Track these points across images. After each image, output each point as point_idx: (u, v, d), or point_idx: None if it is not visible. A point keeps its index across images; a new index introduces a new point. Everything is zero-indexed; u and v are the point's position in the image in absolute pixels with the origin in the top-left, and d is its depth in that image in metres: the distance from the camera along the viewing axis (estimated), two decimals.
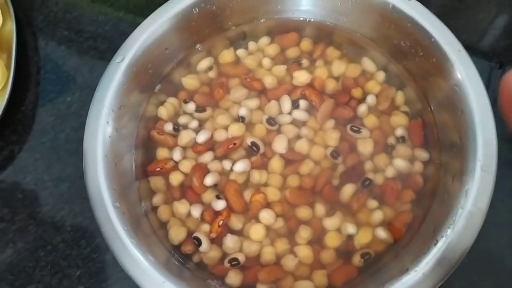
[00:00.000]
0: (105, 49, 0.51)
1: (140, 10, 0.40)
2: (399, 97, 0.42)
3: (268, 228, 0.38)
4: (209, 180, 0.39)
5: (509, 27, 0.51)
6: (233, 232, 0.38)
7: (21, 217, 0.44)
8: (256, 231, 0.38)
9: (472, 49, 0.37)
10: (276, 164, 0.40)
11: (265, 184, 0.40)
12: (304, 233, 0.38)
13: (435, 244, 0.32)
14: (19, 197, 0.45)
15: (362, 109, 0.42)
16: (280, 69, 0.44)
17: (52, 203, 0.45)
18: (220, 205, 0.39)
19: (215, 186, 0.40)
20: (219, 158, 0.41)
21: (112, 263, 0.42)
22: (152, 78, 0.43)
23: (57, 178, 0.45)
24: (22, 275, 0.42)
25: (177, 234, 0.38)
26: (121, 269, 0.34)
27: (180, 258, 0.38)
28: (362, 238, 0.38)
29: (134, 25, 0.41)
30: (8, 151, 0.47)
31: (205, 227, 0.39)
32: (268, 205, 0.39)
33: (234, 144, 0.40)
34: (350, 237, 0.38)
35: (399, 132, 0.41)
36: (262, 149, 0.40)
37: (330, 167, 0.40)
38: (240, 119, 0.42)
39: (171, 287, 0.32)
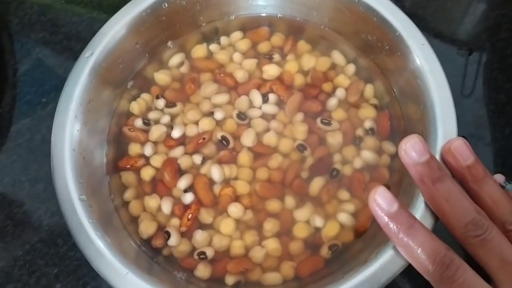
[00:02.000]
0: (79, 49, 0.50)
1: (113, 10, 0.41)
2: (368, 90, 0.43)
3: (237, 221, 0.39)
4: (182, 184, 0.39)
5: (479, 14, 0.52)
6: (203, 226, 0.39)
7: None
8: (226, 225, 0.38)
9: (444, 37, 0.37)
10: (244, 157, 0.40)
11: (235, 178, 0.40)
12: (271, 226, 0.38)
13: None
14: None
15: (332, 102, 0.42)
16: (251, 63, 0.44)
17: (29, 203, 0.45)
18: (188, 198, 0.39)
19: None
20: (189, 153, 0.41)
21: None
22: (124, 73, 0.43)
23: (33, 179, 0.46)
24: (1, 275, 0.43)
25: (147, 228, 0.39)
26: None
27: (149, 252, 0.38)
28: (330, 230, 0.38)
29: None
30: None
31: (175, 221, 0.39)
32: (237, 198, 0.39)
33: (204, 138, 0.41)
34: (318, 229, 0.38)
35: (368, 124, 0.41)
36: (231, 144, 0.41)
37: (299, 160, 0.40)
38: (211, 114, 0.42)
39: (133, 278, 0.32)
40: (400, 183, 0.38)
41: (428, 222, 0.32)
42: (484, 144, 0.45)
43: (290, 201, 0.39)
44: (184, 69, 0.45)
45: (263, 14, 0.46)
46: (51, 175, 0.45)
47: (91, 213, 0.35)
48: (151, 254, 0.38)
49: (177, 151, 0.41)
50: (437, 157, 0.33)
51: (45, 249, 0.43)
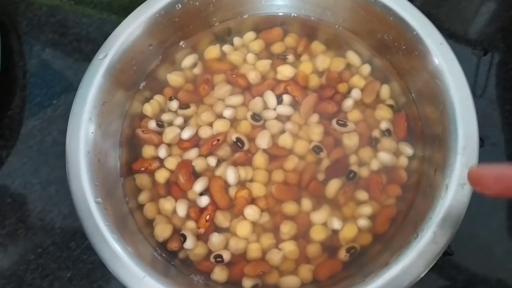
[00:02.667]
0: (89, 51, 0.51)
1: (123, 11, 0.41)
2: (384, 90, 0.42)
3: (254, 224, 0.38)
4: (197, 186, 0.39)
5: (493, 14, 0.51)
6: (219, 229, 0.38)
7: (10, 221, 0.44)
8: (243, 228, 0.38)
9: (456, 37, 0.37)
10: (260, 159, 0.40)
11: (250, 180, 0.40)
12: (288, 228, 0.38)
13: (416, 238, 0.32)
14: (7, 201, 0.45)
15: (347, 103, 0.41)
16: (265, 64, 0.44)
17: (41, 206, 0.45)
18: (203, 201, 0.39)
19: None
20: (204, 155, 0.41)
21: (102, 263, 0.42)
22: (136, 75, 0.43)
23: (45, 181, 0.46)
24: (14, 279, 0.42)
25: (162, 231, 0.38)
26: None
27: (165, 255, 0.38)
28: (348, 232, 0.38)
29: (118, 25, 0.41)
30: None
31: (191, 224, 0.39)
32: (253, 201, 0.39)
33: (218, 140, 0.40)
34: (335, 232, 0.38)
35: (384, 125, 0.41)
36: (246, 145, 0.40)
37: (314, 162, 0.40)
38: (225, 115, 0.42)
39: (151, 281, 0.32)
40: (418, 185, 0.38)
41: (449, 225, 0.32)
42: (492, 143, 0.45)
43: (306, 203, 0.39)
44: (197, 70, 0.44)
45: (277, 14, 0.45)
46: (62, 177, 0.44)
47: (107, 216, 0.35)
48: (167, 257, 0.37)
49: (192, 153, 0.41)
50: (459, 158, 0.33)
51: (58, 252, 0.43)
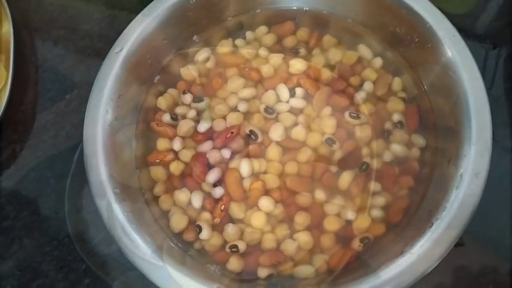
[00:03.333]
0: (101, 46, 0.51)
1: (134, 7, 0.41)
2: (396, 83, 0.42)
3: (268, 215, 0.39)
4: (212, 178, 0.39)
5: (501, 9, 0.51)
6: (234, 220, 0.39)
7: (25, 214, 0.45)
8: (257, 219, 0.38)
9: (465, 32, 0.38)
10: (273, 151, 0.40)
11: (264, 172, 0.40)
12: (302, 219, 0.38)
13: (430, 227, 0.33)
14: (23, 194, 0.46)
15: (360, 96, 0.42)
16: (277, 58, 0.44)
17: (55, 199, 0.45)
18: (218, 192, 0.39)
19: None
20: (217, 148, 0.41)
21: (116, 255, 0.42)
22: (151, 68, 0.44)
23: (59, 175, 0.46)
24: (29, 270, 0.43)
25: (178, 222, 0.39)
26: (125, 261, 0.34)
27: (182, 245, 0.38)
28: (361, 223, 0.38)
29: (129, 21, 0.42)
30: (10, 150, 0.48)
31: (206, 215, 0.39)
32: (267, 192, 0.39)
33: (232, 133, 0.41)
34: (349, 222, 0.38)
35: (396, 117, 0.41)
36: (260, 138, 0.41)
37: (327, 154, 0.40)
38: (238, 108, 0.42)
39: (170, 270, 0.32)
40: (430, 176, 0.38)
41: (463, 214, 0.32)
42: (499, 136, 0.45)
43: (320, 194, 0.39)
44: (210, 64, 0.45)
45: (289, 8, 0.46)
46: (76, 171, 0.45)
47: (125, 206, 0.35)
48: (183, 248, 0.38)
49: (206, 146, 0.41)
50: (472, 149, 0.33)
51: (72, 244, 0.44)
